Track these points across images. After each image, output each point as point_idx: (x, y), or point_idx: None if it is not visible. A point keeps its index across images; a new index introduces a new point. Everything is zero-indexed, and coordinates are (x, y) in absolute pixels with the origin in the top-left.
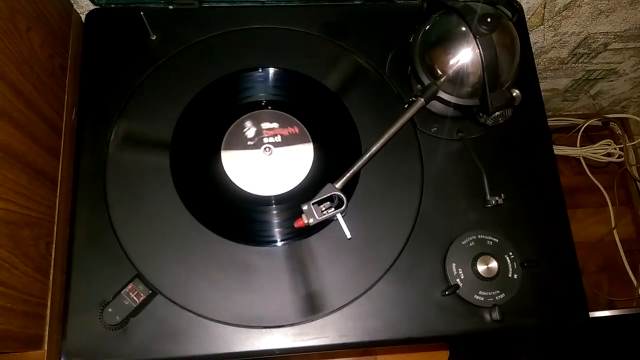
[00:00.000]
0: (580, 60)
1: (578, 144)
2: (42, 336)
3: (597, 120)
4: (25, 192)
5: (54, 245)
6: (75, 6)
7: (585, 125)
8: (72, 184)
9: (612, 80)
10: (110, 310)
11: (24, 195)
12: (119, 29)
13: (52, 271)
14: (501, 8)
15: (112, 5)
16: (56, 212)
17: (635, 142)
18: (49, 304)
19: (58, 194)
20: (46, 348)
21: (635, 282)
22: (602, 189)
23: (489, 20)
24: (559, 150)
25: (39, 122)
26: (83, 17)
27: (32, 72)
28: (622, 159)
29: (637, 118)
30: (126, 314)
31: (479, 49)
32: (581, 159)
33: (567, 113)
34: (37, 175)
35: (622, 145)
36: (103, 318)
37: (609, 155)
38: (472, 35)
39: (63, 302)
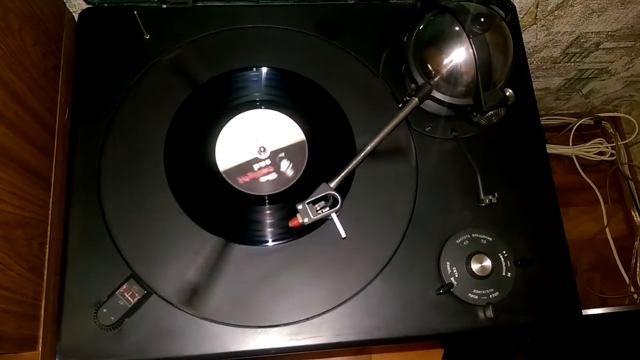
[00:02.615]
0: (572, 60)
1: (570, 143)
2: (37, 337)
3: (589, 119)
4: (18, 192)
5: (47, 246)
6: (67, 5)
7: (577, 124)
8: (66, 184)
9: (604, 80)
10: (104, 310)
11: (17, 195)
12: (112, 28)
13: (45, 271)
14: (494, 8)
15: (105, 5)
16: (49, 212)
17: (627, 140)
18: (42, 304)
19: (51, 194)
20: (40, 349)
21: (627, 279)
22: (594, 187)
23: (482, 20)
24: (551, 149)
25: (32, 122)
26: (76, 16)
27: (25, 71)
28: (614, 157)
29: (629, 117)
30: (121, 314)
31: (472, 48)
32: (573, 157)
33: (560, 112)
34: (31, 175)
35: (614, 144)
36: (98, 318)
37: (601, 153)
38: (465, 35)
39: (57, 303)
